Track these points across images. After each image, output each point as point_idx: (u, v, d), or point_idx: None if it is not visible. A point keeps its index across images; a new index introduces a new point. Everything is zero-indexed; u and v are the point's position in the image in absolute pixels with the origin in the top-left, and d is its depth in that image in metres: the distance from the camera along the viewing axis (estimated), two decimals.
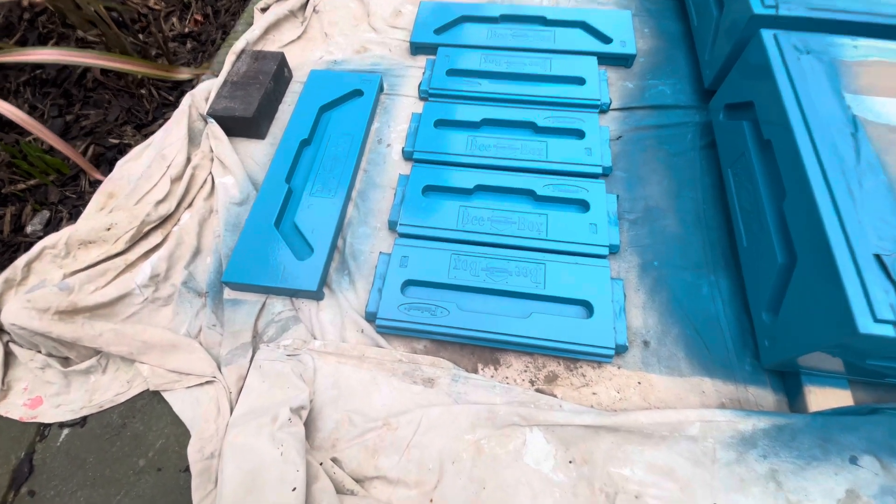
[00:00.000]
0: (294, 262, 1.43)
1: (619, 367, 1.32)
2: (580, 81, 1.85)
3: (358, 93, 1.85)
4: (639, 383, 1.30)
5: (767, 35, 1.37)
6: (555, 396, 1.28)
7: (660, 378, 1.30)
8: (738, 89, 1.55)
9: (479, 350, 1.36)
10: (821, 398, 1.18)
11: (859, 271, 0.97)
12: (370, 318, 1.39)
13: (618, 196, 1.59)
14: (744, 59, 1.49)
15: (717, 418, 1.16)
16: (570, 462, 1.18)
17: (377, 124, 1.86)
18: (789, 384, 1.25)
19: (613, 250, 1.48)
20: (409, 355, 1.33)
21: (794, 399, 1.23)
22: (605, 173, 1.66)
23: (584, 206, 1.55)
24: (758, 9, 1.45)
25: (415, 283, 1.41)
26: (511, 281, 1.38)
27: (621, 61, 1.96)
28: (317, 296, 1.43)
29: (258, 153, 1.80)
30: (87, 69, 1.95)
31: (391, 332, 1.36)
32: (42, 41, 2.04)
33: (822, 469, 1.10)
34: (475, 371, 1.33)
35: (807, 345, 1.06)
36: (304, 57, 2.09)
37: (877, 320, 0.92)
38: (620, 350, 1.32)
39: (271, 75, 1.85)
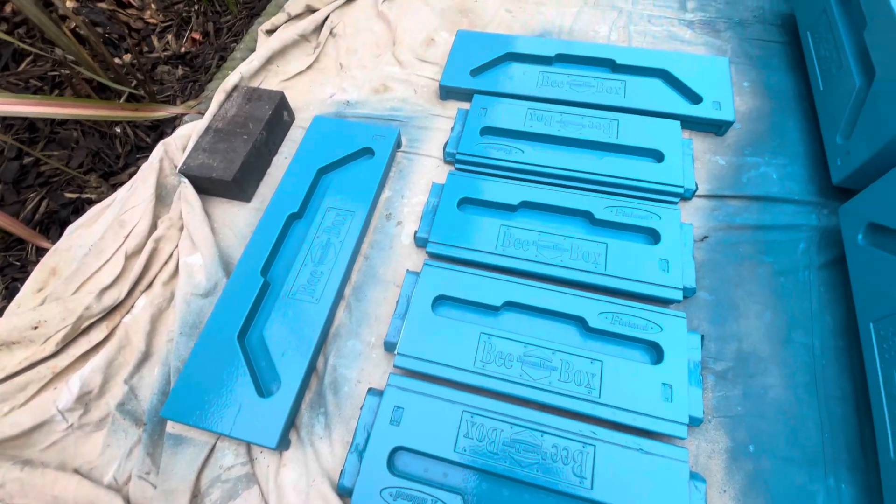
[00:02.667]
0: (254, 399, 1.08)
1: None
2: (657, 156, 1.40)
3: (368, 152, 1.47)
4: None
5: None
6: None
7: None
8: None
9: None
10: None
11: None
12: (344, 493, 1.02)
13: (702, 337, 1.15)
14: None
15: None
16: None
17: (388, 193, 1.48)
18: None
19: (693, 423, 1.06)
20: None
21: None
22: (686, 296, 1.22)
23: (654, 351, 1.12)
24: None
25: (409, 451, 1.03)
26: (544, 469, 0.98)
27: (712, 127, 1.50)
28: (279, 446, 1.07)
29: (240, 221, 1.45)
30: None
31: None
32: (16, 59, 1.76)
33: None
34: None
35: None
36: (312, 94, 1.72)
37: None
38: None
39: (264, 123, 1.50)
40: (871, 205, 1.14)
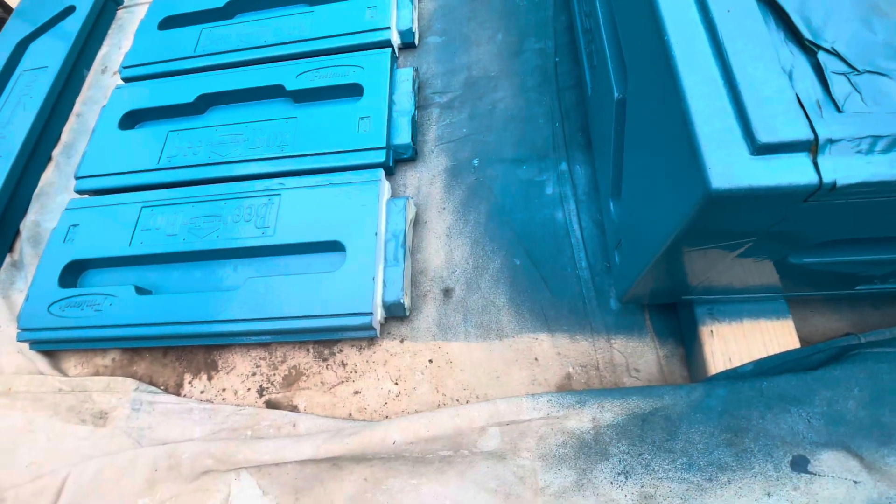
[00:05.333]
0: None
1: (401, 341, 0.79)
2: None
3: (70, 10, 1.30)
4: (430, 362, 0.76)
5: None
6: (295, 409, 0.77)
7: (466, 348, 0.76)
8: None
9: (190, 353, 0.85)
10: (732, 343, 0.61)
11: (717, 43, 0.39)
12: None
13: (416, 69, 1.01)
14: None
15: (526, 415, 0.62)
16: None
17: (106, 48, 1.31)
18: (685, 321, 0.69)
19: (403, 154, 0.92)
20: (75, 380, 0.83)
21: (690, 349, 0.67)
22: (406, 41, 1.07)
23: (355, 92, 0.98)
24: None
25: (86, 263, 0.90)
26: (225, 233, 0.85)
27: None
28: None
29: None
30: None
31: (44, 346, 0.87)
32: None
33: (737, 488, 0.55)
34: (179, 386, 0.83)
35: (654, 238, 0.49)
36: None
37: (761, 149, 0.35)
38: (394, 311, 0.78)
39: None
40: None
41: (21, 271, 1.00)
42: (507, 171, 0.90)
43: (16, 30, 1.29)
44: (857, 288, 0.56)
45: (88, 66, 1.28)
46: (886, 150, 0.32)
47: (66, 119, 1.19)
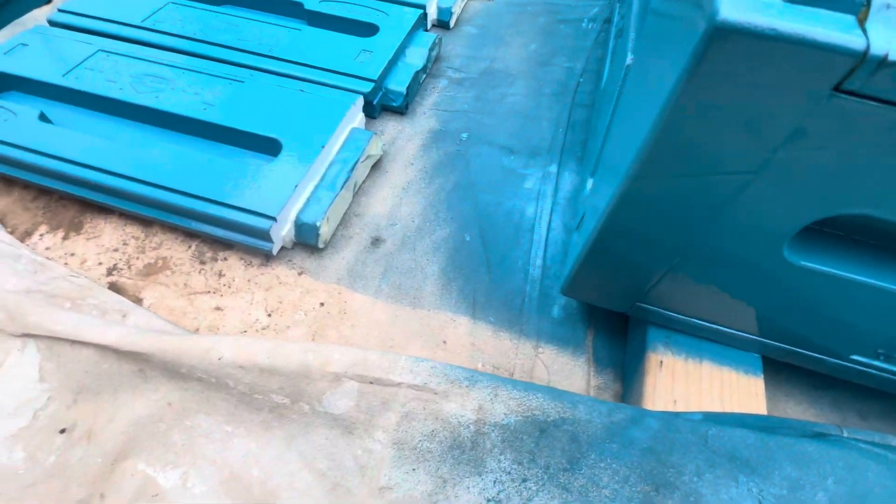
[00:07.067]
0: None
1: (300, 274, 0.64)
2: None
3: None
4: (321, 305, 0.61)
5: None
6: (139, 303, 0.61)
7: (370, 303, 0.61)
8: None
9: (61, 206, 0.70)
10: (681, 383, 0.47)
11: None
12: None
13: (439, 39, 0.96)
14: None
15: (398, 377, 0.46)
16: (63, 431, 0.50)
17: None
18: (632, 345, 0.55)
19: (393, 101, 0.84)
20: None
21: (629, 380, 0.52)
22: (442, 19, 1.04)
23: (370, 33, 0.92)
24: None
25: (13, 81, 0.78)
26: (166, 97, 0.75)
27: None
28: None
29: None
30: None
31: None
32: None
33: None
34: (28, 234, 0.67)
35: (627, 154, 0.38)
36: None
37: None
38: (305, 235, 0.64)
39: None
40: None
41: None
42: (493, 154, 0.81)
43: None
44: (853, 357, 0.43)
45: None
46: None
47: None
